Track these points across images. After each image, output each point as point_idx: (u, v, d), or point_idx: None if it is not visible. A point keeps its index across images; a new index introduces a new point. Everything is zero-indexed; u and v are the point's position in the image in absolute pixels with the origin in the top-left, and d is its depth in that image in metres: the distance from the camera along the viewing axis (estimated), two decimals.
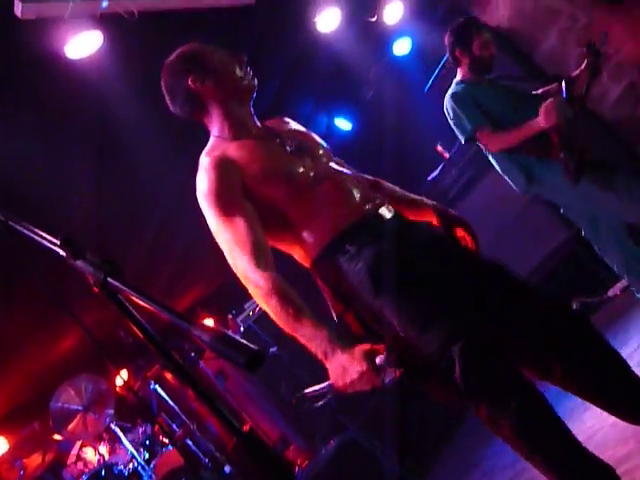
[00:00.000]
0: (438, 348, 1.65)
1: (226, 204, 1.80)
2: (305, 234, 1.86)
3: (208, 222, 1.85)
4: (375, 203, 1.91)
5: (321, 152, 2.01)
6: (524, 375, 1.67)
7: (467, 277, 1.80)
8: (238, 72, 1.96)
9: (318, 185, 1.88)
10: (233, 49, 2.00)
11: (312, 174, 1.90)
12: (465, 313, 1.69)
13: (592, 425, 2.61)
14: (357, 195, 1.90)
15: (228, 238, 1.79)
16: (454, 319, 1.66)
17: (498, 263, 1.90)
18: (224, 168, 1.84)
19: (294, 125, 2.14)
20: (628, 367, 1.78)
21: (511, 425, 1.59)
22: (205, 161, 1.87)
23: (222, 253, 1.83)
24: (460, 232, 2.09)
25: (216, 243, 1.84)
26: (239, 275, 1.79)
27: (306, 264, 1.91)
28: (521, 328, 1.78)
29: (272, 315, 1.74)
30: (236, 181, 1.83)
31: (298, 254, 1.92)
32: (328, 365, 1.64)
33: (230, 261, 1.80)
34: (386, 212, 1.90)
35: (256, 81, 2.00)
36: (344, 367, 1.60)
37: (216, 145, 1.94)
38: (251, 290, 1.77)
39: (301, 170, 1.89)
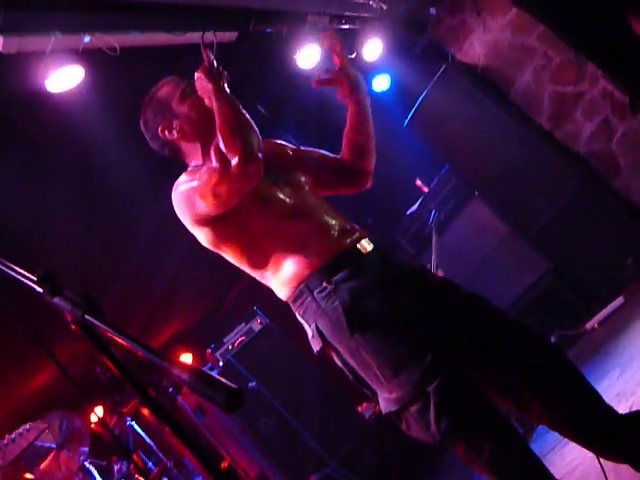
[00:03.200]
0: (412, 390, 1.65)
1: None
2: (283, 269, 1.85)
3: (191, 214, 1.87)
4: (354, 237, 1.90)
5: (301, 180, 2.02)
6: (499, 412, 1.67)
7: (444, 315, 1.79)
8: (205, 110, 1.95)
9: (296, 216, 1.88)
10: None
11: (290, 203, 1.90)
12: (440, 353, 1.68)
13: (572, 459, 2.61)
14: (336, 228, 1.90)
15: (203, 187, 1.81)
16: (429, 360, 1.66)
17: (478, 296, 1.90)
18: None
19: (278, 148, 2.15)
20: (604, 403, 1.79)
21: (486, 464, 1.59)
22: (181, 178, 1.94)
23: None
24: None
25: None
26: (228, 178, 1.76)
27: (284, 298, 1.91)
28: (498, 364, 1.78)
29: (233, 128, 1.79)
30: None
31: (276, 288, 1.91)
32: (209, 92, 1.89)
33: (219, 188, 1.78)
34: (366, 245, 1.89)
35: None
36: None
37: (192, 171, 1.97)
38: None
39: (278, 198, 1.89)
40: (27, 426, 3.44)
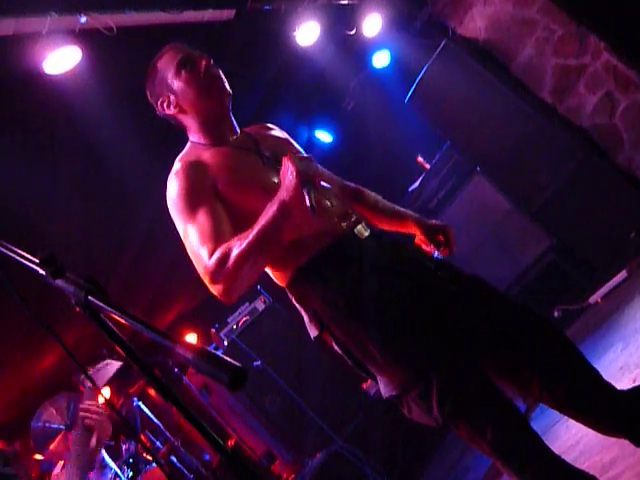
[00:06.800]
0: (413, 374, 1.65)
1: (191, 206, 1.76)
2: (279, 254, 1.82)
3: (177, 229, 1.81)
4: (352, 221, 1.88)
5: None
6: (500, 392, 1.67)
7: (443, 298, 1.78)
8: (203, 89, 1.90)
9: None
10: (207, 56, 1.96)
11: None
12: (440, 336, 1.68)
13: (576, 432, 2.62)
14: (334, 213, 1.87)
15: (191, 241, 1.74)
16: (428, 344, 1.66)
17: (477, 278, 1.90)
18: (194, 171, 1.81)
19: (276, 132, 2.12)
20: (603, 380, 1.80)
21: (489, 445, 1.60)
22: (177, 166, 1.86)
23: None
24: (442, 238, 2.08)
25: None
26: (203, 277, 1.70)
27: (281, 284, 1.89)
28: (498, 345, 1.78)
29: (251, 259, 1.67)
30: (206, 184, 1.80)
31: (273, 273, 1.90)
32: (281, 199, 1.67)
33: (196, 265, 1.73)
34: (363, 230, 1.87)
35: (223, 85, 1.94)
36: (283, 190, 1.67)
37: (191, 151, 1.93)
38: (219, 281, 1.67)
39: (275, 182, 1.84)
40: (106, 361, 3.40)
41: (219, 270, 1.66)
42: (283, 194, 1.66)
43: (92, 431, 2.56)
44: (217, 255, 1.67)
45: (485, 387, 1.66)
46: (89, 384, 2.89)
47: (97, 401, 2.67)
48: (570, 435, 2.65)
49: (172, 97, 1.92)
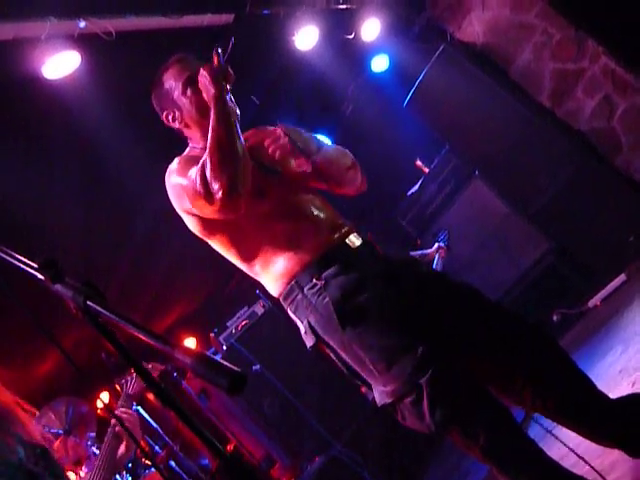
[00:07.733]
0: (405, 382, 1.66)
1: (188, 168, 1.85)
2: (272, 265, 1.85)
3: (175, 199, 1.89)
4: (343, 231, 1.90)
5: (295, 172, 1.99)
6: (493, 399, 1.68)
7: (434, 306, 1.80)
8: (208, 110, 1.92)
9: (288, 211, 1.88)
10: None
11: (283, 196, 1.90)
12: (431, 344, 1.69)
13: (576, 436, 2.61)
14: (326, 223, 1.89)
15: (185, 185, 1.84)
16: (420, 352, 1.66)
17: (471, 287, 1.91)
18: (193, 162, 1.86)
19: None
20: (596, 389, 1.80)
21: (482, 451, 1.61)
22: (176, 160, 1.94)
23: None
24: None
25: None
26: (197, 198, 1.78)
27: (275, 295, 1.91)
28: (490, 354, 1.79)
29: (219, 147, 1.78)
30: None
31: (266, 283, 1.92)
32: (209, 97, 1.87)
33: (192, 198, 1.81)
34: (355, 240, 1.89)
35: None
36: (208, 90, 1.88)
37: (191, 152, 2.01)
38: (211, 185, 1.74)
39: (272, 190, 1.88)
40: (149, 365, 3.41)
41: (202, 179, 1.74)
42: (210, 92, 1.84)
43: (122, 438, 2.69)
44: (198, 181, 1.75)
45: (477, 394, 1.67)
46: (126, 389, 3.00)
47: (131, 408, 2.78)
48: (570, 439, 2.65)
49: (177, 113, 1.99)
